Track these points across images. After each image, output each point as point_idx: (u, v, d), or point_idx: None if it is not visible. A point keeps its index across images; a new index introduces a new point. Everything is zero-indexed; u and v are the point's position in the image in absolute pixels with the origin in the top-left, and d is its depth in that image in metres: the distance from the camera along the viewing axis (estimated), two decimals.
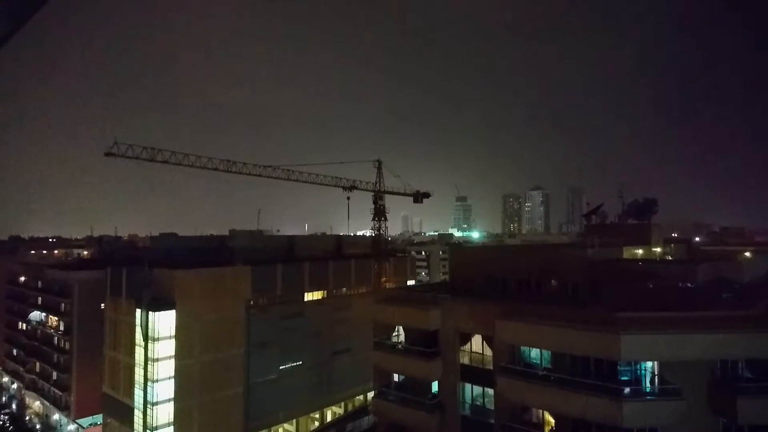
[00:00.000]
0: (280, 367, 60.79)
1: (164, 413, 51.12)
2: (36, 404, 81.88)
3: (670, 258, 49.76)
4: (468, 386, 33.37)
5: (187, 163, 62.17)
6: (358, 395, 70.22)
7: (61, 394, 73.06)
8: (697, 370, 25.75)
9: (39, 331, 79.86)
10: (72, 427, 71.81)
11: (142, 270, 54.34)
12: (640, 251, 47.11)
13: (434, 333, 34.26)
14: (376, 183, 77.03)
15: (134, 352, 53.81)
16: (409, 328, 36.21)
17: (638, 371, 26.65)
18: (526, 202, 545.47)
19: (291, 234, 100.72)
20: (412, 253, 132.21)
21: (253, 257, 63.46)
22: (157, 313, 51.19)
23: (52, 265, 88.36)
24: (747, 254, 50.11)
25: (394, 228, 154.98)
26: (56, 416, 75.75)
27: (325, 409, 67.84)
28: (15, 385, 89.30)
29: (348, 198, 78.28)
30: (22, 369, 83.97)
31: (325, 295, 68.16)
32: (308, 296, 66.18)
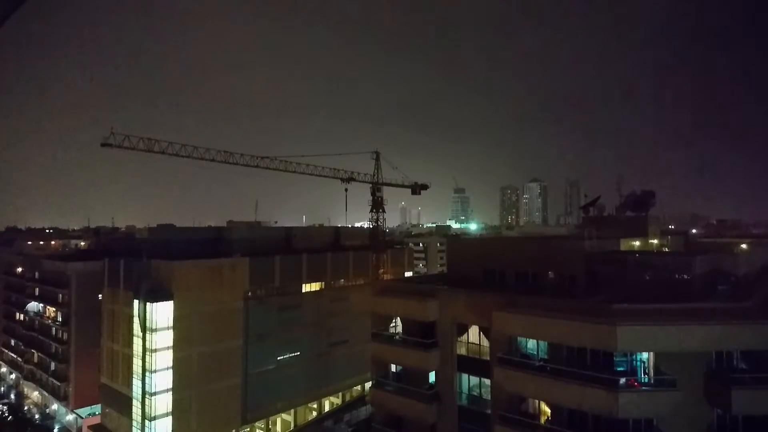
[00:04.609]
0: (278, 358, 61.08)
1: (162, 403, 51.43)
2: (34, 394, 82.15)
3: (667, 250, 49.95)
4: (465, 377, 33.57)
5: (184, 154, 61.77)
6: (356, 386, 70.61)
7: (59, 384, 73.25)
8: (693, 361, 25.94)
9: (37, 322, 79.98)
10: (70, 417, 72.12)
11: (140, 261, 54.35)
12: (638, 243, 47.27)
13: (432, 324, 34.37)
14: (374, 174, 76.75)
15: (132, 343, 53.97)
16: (407, 319, 36.32)
17: (634, 362, 26.83)
18: (524, 194, 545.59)
19: (289, 225, 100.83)
20: (410, 244, 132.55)
21: (251, 249, 63.45)
22: (155, 304, 51.29)
23: (49, 256, 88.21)
24: (743, 246, 50.33)
25: (392, 219, 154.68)
26: (55, 406, 76.08)
27: (322, 400, 68.28)
28: (13, 376, 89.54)
29: (346, 189, 77.97)
30: (20, 359, 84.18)
31: (323, 287, 68.30)
32: (306, 287, 66.34)
